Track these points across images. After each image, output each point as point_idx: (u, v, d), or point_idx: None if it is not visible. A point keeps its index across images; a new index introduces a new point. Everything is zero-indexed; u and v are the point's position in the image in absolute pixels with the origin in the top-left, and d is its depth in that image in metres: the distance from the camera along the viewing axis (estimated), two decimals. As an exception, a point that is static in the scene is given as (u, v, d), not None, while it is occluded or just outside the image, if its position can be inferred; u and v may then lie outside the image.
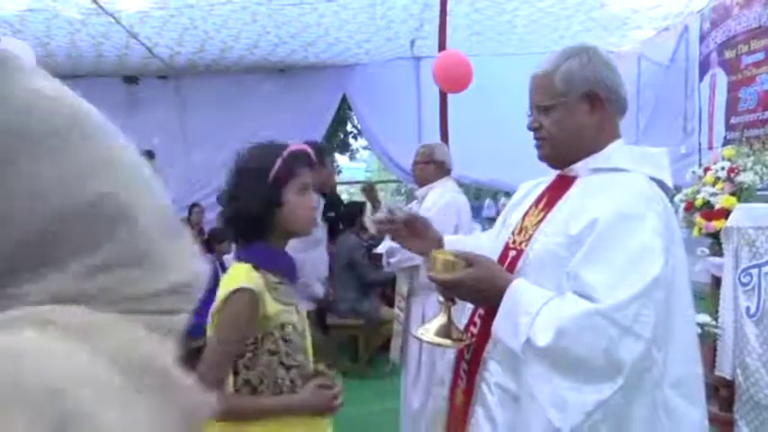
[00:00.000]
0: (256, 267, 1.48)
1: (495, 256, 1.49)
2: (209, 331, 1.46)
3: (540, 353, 1.21)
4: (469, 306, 1.51)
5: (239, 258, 1.54)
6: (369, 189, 4.45)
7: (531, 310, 1.24)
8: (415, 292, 3.24)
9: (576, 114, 1.39)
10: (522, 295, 1.28)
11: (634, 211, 1.27)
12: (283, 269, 1.55)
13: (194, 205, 7.06)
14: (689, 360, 1.33)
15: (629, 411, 1.19)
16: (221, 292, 1.43)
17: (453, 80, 4.35)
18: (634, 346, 1.17)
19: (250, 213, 1.47)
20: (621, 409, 1.18)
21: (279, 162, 1.49)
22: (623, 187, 1.32)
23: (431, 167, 3.40)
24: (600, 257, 1.23)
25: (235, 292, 1.41)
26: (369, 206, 4.84)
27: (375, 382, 4.74)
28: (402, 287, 3.35)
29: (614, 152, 1.41)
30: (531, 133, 1.47)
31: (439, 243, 1.69)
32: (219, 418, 1.37)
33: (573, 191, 1.40)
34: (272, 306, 1.46)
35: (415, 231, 1.70)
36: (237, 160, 1.54)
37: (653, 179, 1.37)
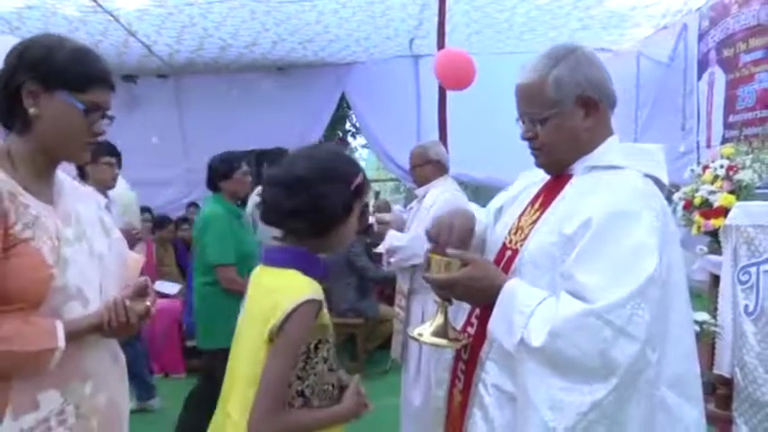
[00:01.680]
0: (304, 273, 1.40)
1: (490, 256, 1.48)
2: (265, 344, 1.34)
3: (534, 353, 1.21)
4: (467, 306, 1.50)
5: (275, 262, 1.44)
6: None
7: (526, 310, 1.24)
8: (416, 291, 3.24)
9: (571, 121, 1.38)
10: (517, 295, 1.28)
11: (629, 208, 1.26)
12: (323, 276, 1.46)
13: (192, 204, 7.05)
14: (685, 358, 1.32)
15: (624, 411, 1.19)
16: (283, 303, 1.32)
17: (456, 78, 4.34)
18: (628, 347, 1.17)
19: (331, 213, 1.40)
20: (616, 409, 1.18)
21: (361, 175, 1.46)
22: (618, 185, 1.31)
23: (428, 168, 3.40)
24: (594, 257, 1.23)
25: (303, 303, 1.32)
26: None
27: (374, 380, 4.75)
28: (403, 286, 3.36)
29: (609, 149, 1.40)
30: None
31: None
32: None
33: (568, 190, 1.39)
34: (326, 314, 1.40)
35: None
36: (314, 153, 1.46)
37: (648, 176, 1.37)
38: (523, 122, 1.44)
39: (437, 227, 1.43)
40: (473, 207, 1.82)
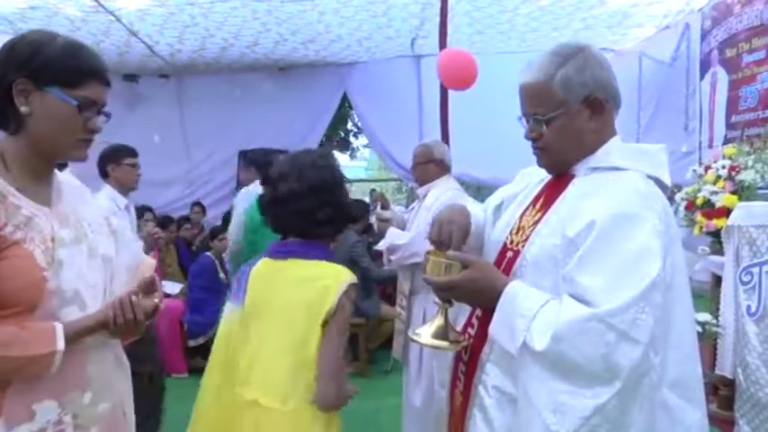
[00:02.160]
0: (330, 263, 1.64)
1: (491, 256, 1.47)
2: (320, 328, 1.54)
3: (536, 357, 1.20)
4: (467, 307, 1.49)
5: (303, 255, 1.64)
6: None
7: (528, 314, 1.23)
8: (417, 291, 3.24)
9: (577, 121, 1.36)
10: (519, 297, 1.27)
11: (632, 211, 1.25)
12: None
13: (195, 204, 7.06)
14: (688, 360, 1.31)
15: (627, 416, 1.18)
16: (334, 287, 1.55)
17: (458, 78, 4.33)
18: (631, 351, 1.16)
19: (349, 214, 1.68)
20: (619, 413, 1.17)
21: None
22: (620, 187, 1.30)
23: (431, 167, 3.39)
24: (596, 261, 1.22)
25: (350, 286, 1.57)
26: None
27: (375, 379, 4.75)
28: (404, 286, 3.36)
29: (611, 150, 1.38)
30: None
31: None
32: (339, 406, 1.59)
33: (569, 191, 1.38)
34: None
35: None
36: (318, 160, 1.66)
37: (650, 177, 1.35)
38: (527, 122, 1.42)
39: (438, 227, 1.41)
40: (469, 201, 1.82)
